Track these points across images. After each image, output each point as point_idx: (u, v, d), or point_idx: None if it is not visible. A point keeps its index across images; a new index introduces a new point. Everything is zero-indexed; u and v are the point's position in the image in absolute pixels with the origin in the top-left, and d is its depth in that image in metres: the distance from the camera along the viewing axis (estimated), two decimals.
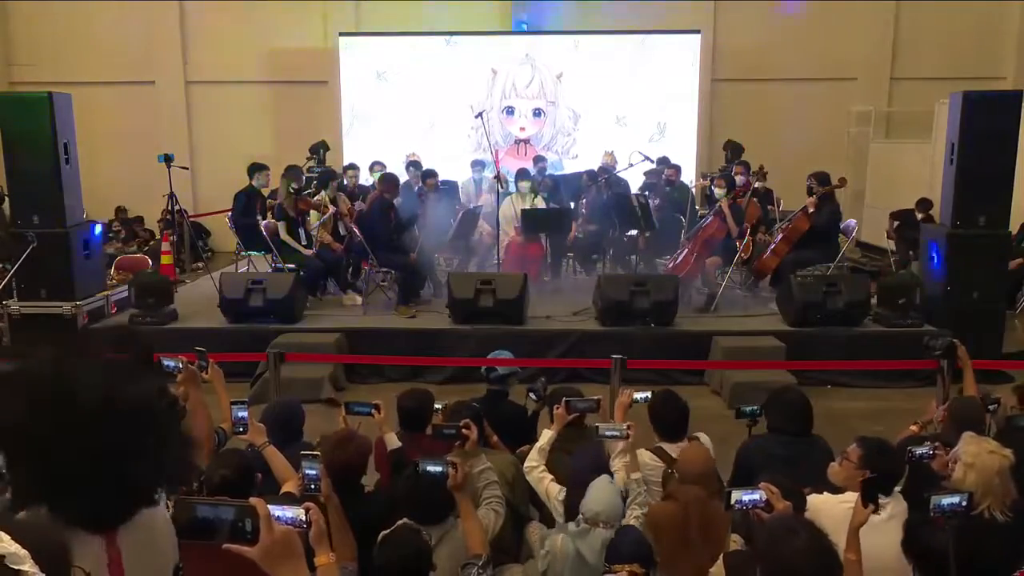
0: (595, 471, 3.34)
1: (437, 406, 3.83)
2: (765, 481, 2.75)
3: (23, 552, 1.08)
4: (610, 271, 7.94)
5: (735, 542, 2.85)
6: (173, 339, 6.50)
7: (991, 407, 3.64)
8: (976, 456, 2.81)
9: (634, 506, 3.12)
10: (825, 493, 2.86)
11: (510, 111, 11.71)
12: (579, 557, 2.88)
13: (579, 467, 3.31)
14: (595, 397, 3.78)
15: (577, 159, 11.48)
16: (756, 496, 2.63)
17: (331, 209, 7.98)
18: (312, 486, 2.69)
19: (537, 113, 11.71)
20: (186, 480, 1.61)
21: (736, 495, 2.64)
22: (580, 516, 2.96)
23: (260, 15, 12.22)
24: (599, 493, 2.99)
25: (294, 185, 7.73)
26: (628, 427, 3.30)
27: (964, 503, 2.57)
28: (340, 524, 2.72)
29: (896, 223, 9.70)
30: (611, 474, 3.44)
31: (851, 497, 2.80)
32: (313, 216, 7.90)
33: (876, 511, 2.59)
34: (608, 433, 3.31)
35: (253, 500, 1.37)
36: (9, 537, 1.10)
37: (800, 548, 2.08)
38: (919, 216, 9.25)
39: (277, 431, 3.41)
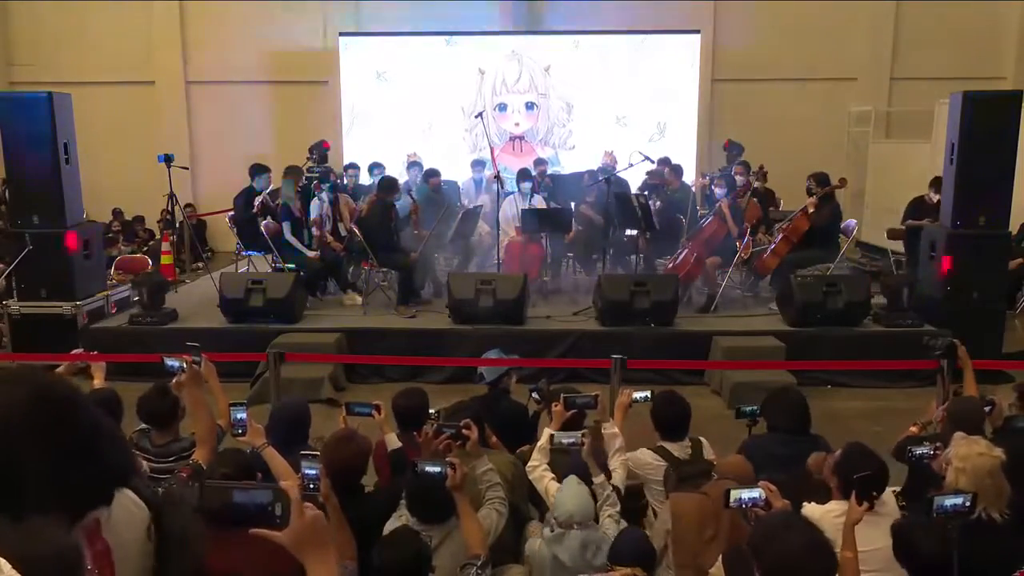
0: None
1: (431, 411, 3.84)
2: (765, 481, 2.77)
3: None
4: (610, 271, 7.94)
5: None
6: (173, 339, 6.51)
7: (986, 408, 3.63)
8: (966, 459, 2.81)
9: (606, 507, 3.13)
10: (813, 503, 2.88)
11: (502, 107, 11.70)
12: (556, 561, 2.87)
13: (578, 465, 3.32)
14: (593, 393, 3.78)
15: (575, 150, 11.51)
16: (755, 494, 2.65)
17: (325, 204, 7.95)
18: (311, 486, 2.69)
19: (530, 107, 11.70)
20: (126, 474, 1.47)
21: (735, 493, 2.65)
22: (553, 521, 2.96)
23: (260, 15, 12.22)
24: (569, 495, 2.99)
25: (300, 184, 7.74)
26: (583, 435, 3.30)
27: (967, 504, 2.57)
28: (339, 523, 2.72)
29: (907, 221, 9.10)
30: (609, 473, 3.45)
31: (836, 507, 2.83)
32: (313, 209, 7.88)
33: (871, 509, 2.60)
34: (565, 441, 3.30)
35: (284, 484, 1.35)
36: (9, 567, 1.08)
37: (797, 544, 2.09)
38: (934, 199, 8.36)
39: (284, 432, 3.42)
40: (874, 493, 2.64)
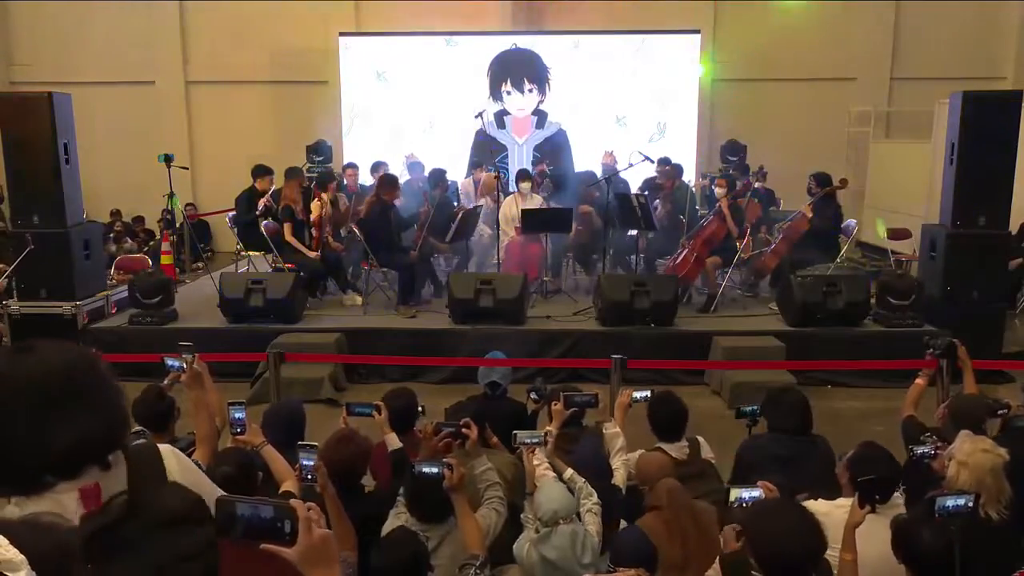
0: (595, 468, 3.34)
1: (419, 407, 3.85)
2: (765, 481, 2.77)
3: (20, 558, 1.07)
4: (610, 271, 7.93)
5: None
6: (173, 339, 6.50)
7: (1000, 412, 3.60)
8: (970, 455, 2.81)
9: (583, 500, 3.14)
10: (820, 500, 2.87)
11: (506, 112, 11.69)
12: (545, 562, 2.87)
13: (578, 464, 3.31)
14: (593, 392, 3.78)
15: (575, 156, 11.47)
16: (756, 493, 2.66)
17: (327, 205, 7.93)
18: (309, 476, 2.71)
19: (534, 112, 11.69)
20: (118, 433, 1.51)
21: (735, 492, 2.66)
22: (538, 522, 2.96)
23: (260, 15, 12.23)
24: (550, 493, 3.00)
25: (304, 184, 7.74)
26: (546, 434, 3.31)
27: (969, 504, 2.56)
28: (338, 514, 2.72)
29: None
30: (611, 471, 3.45)
31: (846, 502, 2.81)
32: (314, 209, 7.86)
33: (873, 511, 2.59)
34: (528, 440, 3.30)
35: (293, 502, 1.36)
36: (7, 542, 1.08)
37: (787, 527, 2.15)
38: None
39: (279, 433, 3.40)
40: (877, 497, 2.62)
